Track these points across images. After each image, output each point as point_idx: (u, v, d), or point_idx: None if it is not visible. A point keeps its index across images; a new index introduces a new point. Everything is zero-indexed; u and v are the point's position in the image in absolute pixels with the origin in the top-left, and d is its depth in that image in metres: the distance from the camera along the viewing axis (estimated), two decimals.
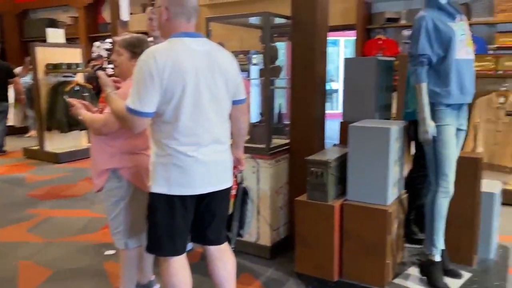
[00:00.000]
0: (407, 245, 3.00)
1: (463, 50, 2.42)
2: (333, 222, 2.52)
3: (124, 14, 6.31)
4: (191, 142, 1.83)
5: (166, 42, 1.84)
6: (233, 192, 2.29)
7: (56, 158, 6.44)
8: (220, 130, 1.93)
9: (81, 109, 2.18)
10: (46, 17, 10.59)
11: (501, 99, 4.35)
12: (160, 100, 1.77)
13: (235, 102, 2.01)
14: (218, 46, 1.97)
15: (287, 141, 3.21)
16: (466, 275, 2.64)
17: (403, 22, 7.08)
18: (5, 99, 7.14)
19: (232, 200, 2.29)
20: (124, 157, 2.15)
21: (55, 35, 6.67)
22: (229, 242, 2.18)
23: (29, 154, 6.85)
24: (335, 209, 2.50)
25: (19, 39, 10.69)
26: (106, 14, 10.05)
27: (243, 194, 2.36)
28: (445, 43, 2.38)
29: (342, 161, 2.60)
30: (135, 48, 2.16)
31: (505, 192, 3.31)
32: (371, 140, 2.44)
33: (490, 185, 2.96)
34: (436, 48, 2.39)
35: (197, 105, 1.82)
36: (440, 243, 2.56)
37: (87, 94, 6.58)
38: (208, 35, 3.17)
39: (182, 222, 1.91)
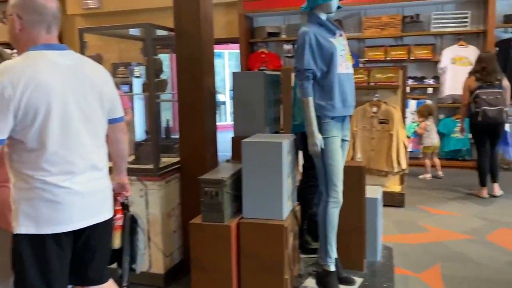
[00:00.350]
0: (302, 255, 3.03)
1: (344, 64, 2.53)
2: (230, 242, 2.41)
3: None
4: (63, 171, 1.58)
5: (22, 56, 1.58)
6: (119, 222, 2.07)
7: None
8: (97, 154, 1.71)
9: None
10: None
11: (374, 109, 4.73)
12: (18, 124, 1.50)
13: (112, 121, 1.81)
14: (88, 59, 1.76)
15: (177, 159, 3.05)
16: (358, 280, 2.74)
17: (283, 36, 7.39)
18: None
19: (119, 232, 2.06)
20: None
21: None
22: (121, 281, 1.94)
23: None
24: (231, 229, 2.40)
25: None
26: None
27: (131, 223, 2.14)
28: (328, 58, 2.46)
29: (237, 178, 2.52)
30: None
31: (383, 194, 3.56)
32: (264, 155, 2.41)
33: (372, 190, 3.14)
34: (320, 63, 2.46)
35: (67, 128, 1.58)
36: (334, 253, 2.62)
37: None
38: (82, 47, 2.86)
39: (59, 264, 1.64)
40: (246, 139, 2.50)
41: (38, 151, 1.54)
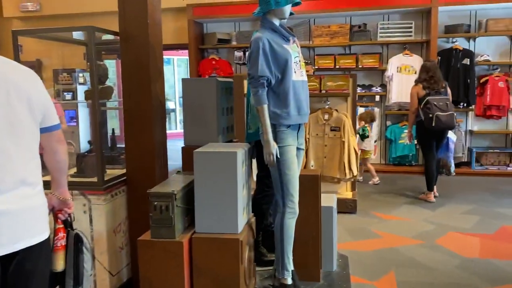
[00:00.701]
0: (258, 268, 2.93)
1: (298, 72, 2.47)
2: (182, 259, 2.26)
3: None
4: None
5: None
6: (62, 242, 1.88)
7: None
8: (26, 168, 1.52)
9: None
10: None
11: (326, 116, 4.75)
12: None
13: (45, 130, 1.63)
14: (13, 62, 1.58)
15: (124, 171, 2.86)
16: None
17: (234, 43, 7.32)
18: None
19: (61, 253, 1.87)
20: None
21: None
22: None
23: None
24: (183, 245, 2.26)
25: None
26: None
27: (76, 243, 1.95)
28: (282, 65, 2.39)
29: (189, 191, 2.38)
30: None
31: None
32: (218, 165, 2.29)
33: (327, 198, 3.10)
34: (274, 69, 2.38)
35: None
36: (291, 265, 2.55)
37: None
38: (16, 51, 2.62)
39: None
40: (198, 149, 2.37)
41: None
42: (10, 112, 1.45)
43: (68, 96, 6.28)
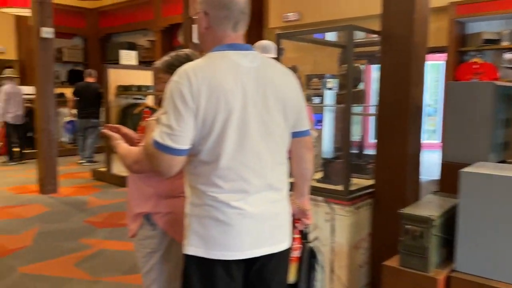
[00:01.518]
0: None
1: None
2: None
3: (196, 37, 6.15)
4: (236, 188, 1.36)
5: (204, 58, 1.42)
6: (296, 253, 1.77)
7: (121, 181, 6.29)
8: (275, 172, 1.44)
9: (117, 140, 1.78)
10: (126, 40, 10.95)
11: None
12: (197, 134, 1.33)
13: (296, 135, 1.53)
14: (273, 62, 1.52)
15: (370, 182, 2.63)
16: None
17: (504, 43, 6.18)
18: (96, 116, 7.73)
19: (295, 265, 1.77)
20: (160, 201, 1.73)
21: (128, 57, 6.67)
22: None
23: (97, 175, 6.82)
24: (438, 282, 1.86)
25: (101, 62, 11.13)
26: (181, 38, 10.13)
27: (310, 257, 1.82)
28: None
29: (449, 217, 1.96)
30: (176, 68, 1.75)
31: None
32: (494, 193, 1.79)
33: None
34: None
35: (244, 140, 1.36)
36: None
37: None
38: (279, 53, 2.71)
39: None
40: (467, 169, 1.91)
41: (211, 164, 1.36)
42: (266, 113, 1.40)
43: (317, 100, 6.56)
